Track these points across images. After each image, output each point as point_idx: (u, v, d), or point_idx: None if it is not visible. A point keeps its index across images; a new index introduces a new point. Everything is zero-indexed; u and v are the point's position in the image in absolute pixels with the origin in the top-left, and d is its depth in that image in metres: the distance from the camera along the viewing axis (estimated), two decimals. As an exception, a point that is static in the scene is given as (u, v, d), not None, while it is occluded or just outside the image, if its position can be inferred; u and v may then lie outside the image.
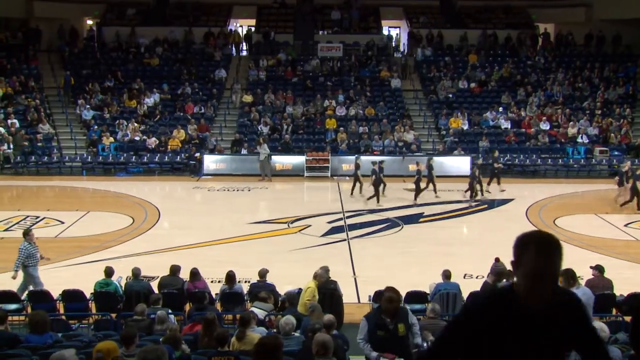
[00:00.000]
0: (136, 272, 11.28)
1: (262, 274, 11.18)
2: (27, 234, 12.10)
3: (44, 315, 7.95)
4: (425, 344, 7.12)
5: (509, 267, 9.56)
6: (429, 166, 21.41)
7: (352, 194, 21.51)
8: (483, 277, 13.41)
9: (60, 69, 30.70)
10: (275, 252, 15.31)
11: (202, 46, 33.07)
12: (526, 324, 2.90)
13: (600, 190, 22.89)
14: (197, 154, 25.68)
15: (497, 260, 9.85)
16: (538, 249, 2.90)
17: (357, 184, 21.45)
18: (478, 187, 21.06)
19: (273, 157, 25.26)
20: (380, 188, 20.54)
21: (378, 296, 10.98)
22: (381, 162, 21.31)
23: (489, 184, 22.21)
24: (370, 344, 6.88)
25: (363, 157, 23.42)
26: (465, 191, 21.22)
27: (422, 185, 20.83)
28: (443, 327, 3.49)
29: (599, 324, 6.95)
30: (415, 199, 20.64)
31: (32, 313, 9.05)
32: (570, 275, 8.01)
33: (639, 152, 27.18)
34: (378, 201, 20.20)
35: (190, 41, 33.03)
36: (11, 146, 25.64)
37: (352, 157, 25.85)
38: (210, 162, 25.53)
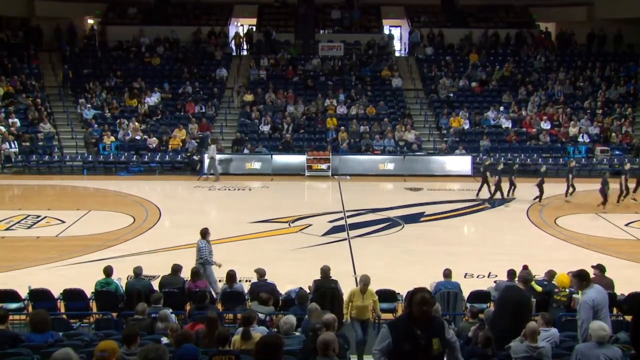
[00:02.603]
0: (137, 271, 11.27)
1: (262, 273, 11.17)
2: (206, 233, 12.51)
3: (44, 314, 7.93)
4: None
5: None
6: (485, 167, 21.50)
7: (477, 194, 21.47)
8: (484, 276, 13.50)
9: (61, 68, 30.69)
10: (276, 252, 15.32)
11: (203, 45, 33.09)
12: None
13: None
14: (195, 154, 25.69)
15: (525, 267, 9.93)
16: None
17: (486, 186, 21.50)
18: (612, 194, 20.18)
19: (274, 156, 25.41)
20: (506, 188, 20.97)
21: (388, 295, 10.94)
22: (513, 164, 21.67)
23: (635, 190, 21.03)
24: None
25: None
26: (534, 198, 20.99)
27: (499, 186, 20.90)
28: None
29: (599, 323, 6.96)
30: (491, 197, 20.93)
31: (32, 312, 9.05)
32: (583, 277, 8.11)
33: (639, 151, 27.16)
34: (502, 197, 20.83)
35: (197, 40, 33.05)
36: (13, 145, 25.66)
37: (353, 157, 26.00)
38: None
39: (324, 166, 25.25)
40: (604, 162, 26.28)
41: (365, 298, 9.98)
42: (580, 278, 8.03)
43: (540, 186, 20.63)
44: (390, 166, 25.63)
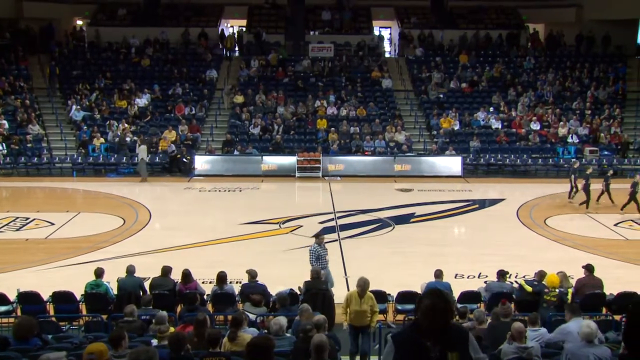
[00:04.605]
0: (130, 270, 11.22)
1: (253, 274, 11.15)
2: (318, 236, 12.37)
3: (29, 321, 7.77)
4: None
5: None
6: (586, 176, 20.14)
7: (570, 197, 20.84)
8: (474, 277, 13.54)
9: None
10: (267, 253, 15.30)
11: (193, 46, 33.04)
12: None
13: (591, 190, 22.97)
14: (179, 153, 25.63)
15: (504, 302, 9.54)
16: None
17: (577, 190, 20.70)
18: None
19: (265, 157, 25.46)
20: (594, 195, 19.97)
21: (379, 296, 10.76)
22: (608, 171, 20.81)
23: (623, 207, 19.88)
24: None
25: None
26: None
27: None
28: None
29: (587, 321, 7.01)
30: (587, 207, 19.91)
31: (17, 319, 8.87)
32: (571, 309, 8.57)
33: (625, 150, 27.32)
34: (587, 207, 19.76)
35: (187, 41, 33.00)
36: (1, 147, 25.50)
37: (343, 158, 25.99)
38: (202, 162, 25.50)
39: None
40: (593, 163, 26.38)
41: (363, 303, 9.47)
42: (568, 309, 8.59)
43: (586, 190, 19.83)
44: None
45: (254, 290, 10.63)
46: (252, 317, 9.55)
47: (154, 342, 7.95)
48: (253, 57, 32.16)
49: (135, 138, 26.63)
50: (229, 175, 24.92)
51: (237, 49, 34.34)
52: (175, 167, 25.63)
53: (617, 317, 10.09)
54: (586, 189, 19.84)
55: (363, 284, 9.51)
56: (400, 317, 10.92)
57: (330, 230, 17.53)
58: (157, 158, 25.96)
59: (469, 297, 11.09)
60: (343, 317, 9.75)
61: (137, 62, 31.82)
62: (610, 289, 11.18)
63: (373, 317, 9.56)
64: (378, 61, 32.40)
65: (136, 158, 24.81)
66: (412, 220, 18.97)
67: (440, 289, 4.70)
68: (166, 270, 11.31)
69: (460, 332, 4.36)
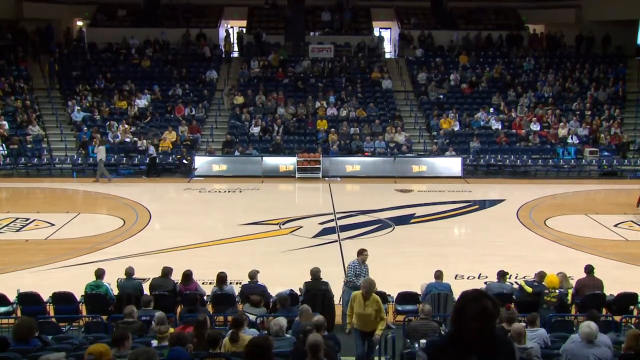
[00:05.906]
0: (129, 272, 11.22)
1: (252, 275, 11.16)
2: (361, 253, 11.18)
3: (29, 321, 7.78)
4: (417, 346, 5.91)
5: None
6: None
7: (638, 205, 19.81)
8: (474, 277, 13.53)
9: (51, 72, 30.44)
10: (267, 254, 15.30)
11: (193, 47, 33.06)
12: None
13: (590, 190, 23.00)
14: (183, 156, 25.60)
15: (508, 307, 9.49)
16: None
17: None
18: None
19: (265, 158, 25.46)
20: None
21: (380, 297, 10.51)
22: None
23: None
24: None
25: None
26: None
27: None
28: None
29: (586, 322, 7.01)
30: None
31: (17, 320, 8.88)
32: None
33: (625, 151, 27.33)
34: None
35: (187, 42, 33.02)
36: (1, 148, 25.49)
37: (343, 159, 25.97)
38: (202, 163, 25.49)
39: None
40: (593, 163, 26.42)
41: (367, 306, 8.89)
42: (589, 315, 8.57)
43: None
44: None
45: (253, 290, 10.63)
46: (252, 317, 9.55)
47: (154, 342, 7.96)
48: (253, 58, 32.17)
49: (135, 139, 26.64)
50: (229, 176, 24.93)
51: (236, 49, 34.36)
52: (153, 170, 25.22)
53: (617, 318, 10.09)
54: None
55: (368, 286, 8.95)
56: (400, 317, 10.90)
57: (331, 231, 17.55)
58: (157, 159, 25.90)
59: (469, 297, 11.06)
60: (348, 320, 9.32)
61: (137, 63, 31.82)
62: (610, 289, 11.19)
63: (379, 324, 8.94)
64: (378, 62, 32.41)
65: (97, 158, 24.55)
66: (412, 220, 18.96)
67: (483, 290, 4.02)
68: (166, 271, 11.31)
69: (506, 344, 3.72)
